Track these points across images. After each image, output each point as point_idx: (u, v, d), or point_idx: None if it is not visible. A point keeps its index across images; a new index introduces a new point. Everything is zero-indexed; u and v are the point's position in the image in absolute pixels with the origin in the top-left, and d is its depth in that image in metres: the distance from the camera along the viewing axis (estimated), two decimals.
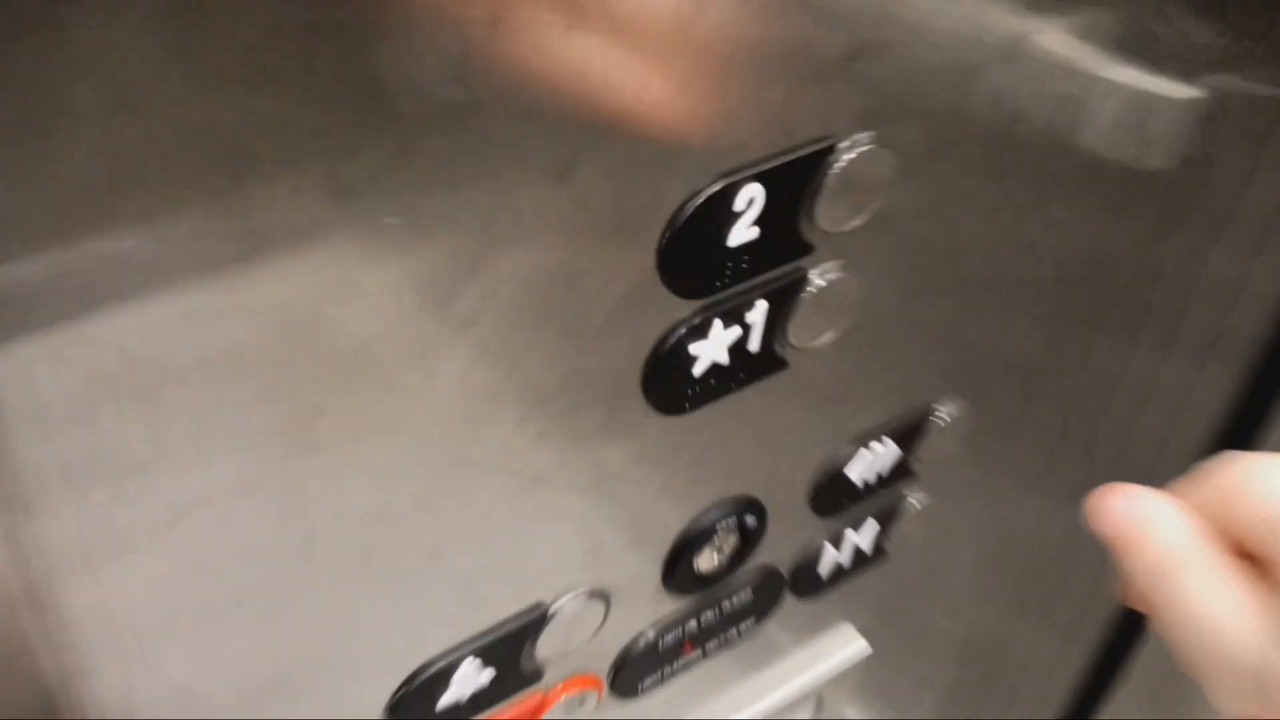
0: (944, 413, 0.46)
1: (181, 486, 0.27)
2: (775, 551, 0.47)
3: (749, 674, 0.53)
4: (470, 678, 0.39)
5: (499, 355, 0.31)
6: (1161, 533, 0.31)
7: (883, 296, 0.39)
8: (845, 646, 0.56)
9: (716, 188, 0.32)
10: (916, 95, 0.34)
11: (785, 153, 0.32)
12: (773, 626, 0.51)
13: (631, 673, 0.45)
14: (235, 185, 0.23)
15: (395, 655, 0.37)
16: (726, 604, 0.47)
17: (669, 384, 0.36)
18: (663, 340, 0.35)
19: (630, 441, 0.37)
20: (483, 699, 0.40)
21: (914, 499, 0.50)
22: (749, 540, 0.44)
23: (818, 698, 0.57)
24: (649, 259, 0.32)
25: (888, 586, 0.56)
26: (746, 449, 0.41)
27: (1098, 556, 0.33)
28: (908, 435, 0.46)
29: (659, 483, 0.39)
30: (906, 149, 0.35)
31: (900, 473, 0.48)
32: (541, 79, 0.26)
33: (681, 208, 0.31)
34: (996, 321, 0.45)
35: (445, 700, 0.39)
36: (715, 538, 0.43)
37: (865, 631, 0.57)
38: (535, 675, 0.41)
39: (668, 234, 0.32)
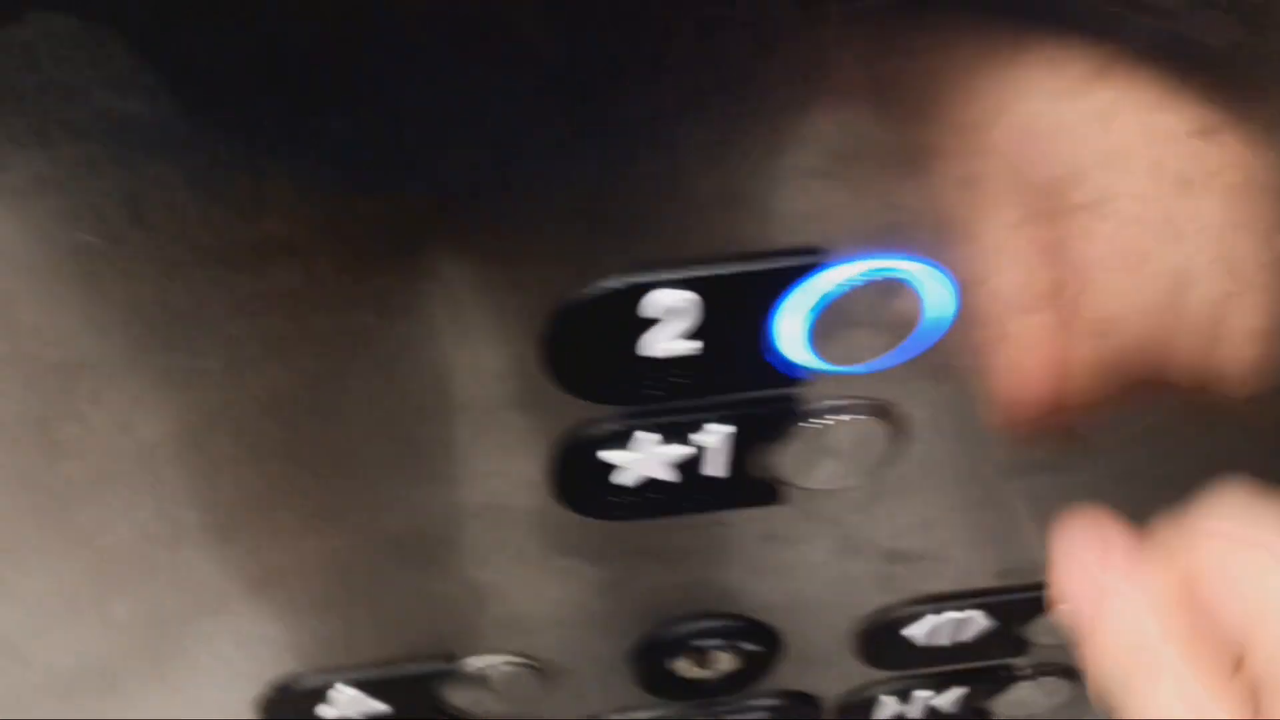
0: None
1: None
2: (809, 682, 0.38)
3: None
4: (356, 702, 0.35)
5: None
6: (1128, 623, 0.27)
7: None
8: None
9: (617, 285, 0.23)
10: None
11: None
12: None
13: None
14: None
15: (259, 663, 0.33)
16: (730, 717, 0.39)
17: (581, 487, 0.28)
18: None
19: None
20: None
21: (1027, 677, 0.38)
22: (754, 663, 0.36)
23: None
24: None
25: None
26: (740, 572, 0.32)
27: None
28: (1007, 610, 0.35)
29: (604, 578, 0.32)
30: None
31: (999, 646, 0.36)
32: None
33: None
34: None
35: (326, 716, 0.35)
36: (698, 650, 0.35)
37: None
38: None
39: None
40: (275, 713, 0.34)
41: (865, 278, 0.24)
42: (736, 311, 0.24)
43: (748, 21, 0.19)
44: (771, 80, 0.20)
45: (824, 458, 0.28)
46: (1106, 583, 0.29)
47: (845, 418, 0.27)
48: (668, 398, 0.26)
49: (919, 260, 0.24)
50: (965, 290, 0.24)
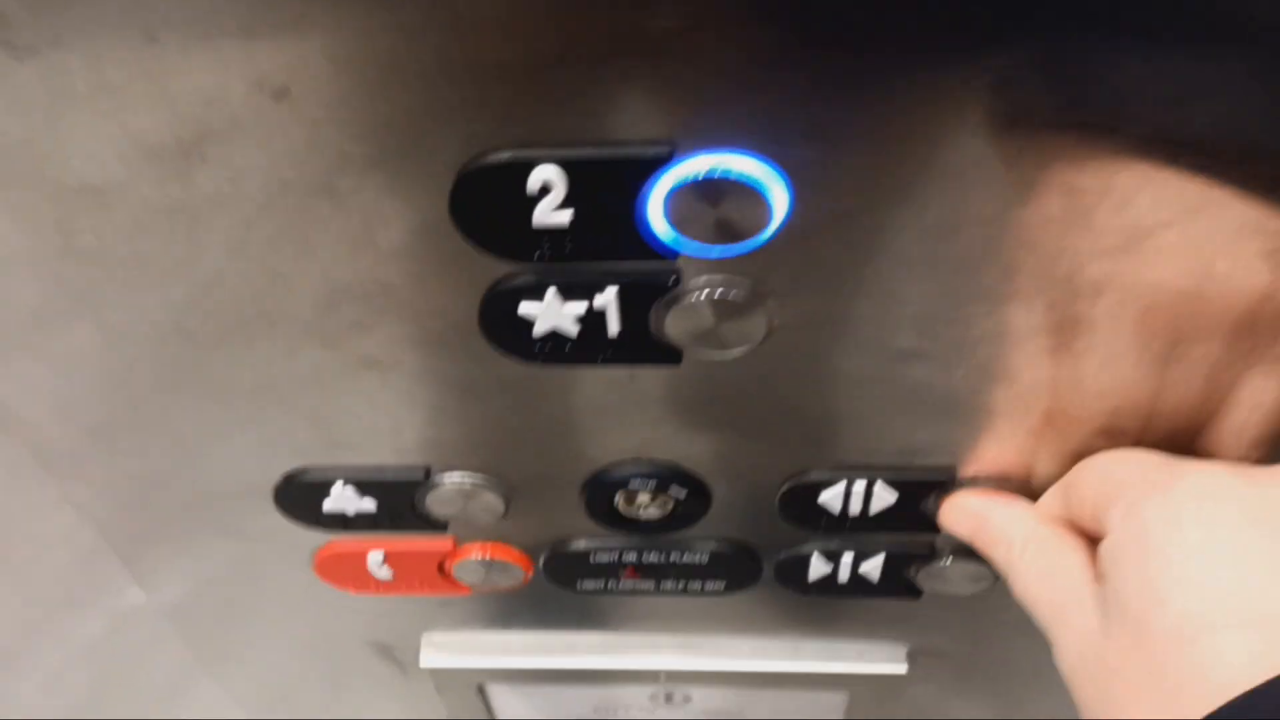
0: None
1: None
2: (745, 534, 0.43)
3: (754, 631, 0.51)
4: (350, 500, 0.42)
5: None
6: (999, 520, 0.37)
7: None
8: (872, 657, 0.50)
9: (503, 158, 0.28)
10: None
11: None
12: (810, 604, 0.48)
13: (564, 568, 0.45)
14: None
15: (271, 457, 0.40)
16: (675, 555, 0.44)
17: (506, 333, 0.34)
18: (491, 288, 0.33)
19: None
20: (372, 522, 0.43)
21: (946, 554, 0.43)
22: (687, 507, 0.41)
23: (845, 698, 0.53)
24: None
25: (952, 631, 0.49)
26: (662, 422, 0.38)
27: None
28: (912, 488, 0.39)
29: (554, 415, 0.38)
30: None
31: (910, 521, 0.41)
32: None
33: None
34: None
35: (329, 508, 0.42)
36: (636, 490, 0.40)
37: (918, 654, 0.51)
38: (434, 524, 0.43)
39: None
40: (287, 500, 0.42)
41: (713, 172, 0.28)
42: (601, 190, 0.29)
43: None
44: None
45: (704, 328, 0.32)
46: (984, 496, 0.38)
47: (716, 293, 0.31)
48: (559, 259, 0.31)
49: (760, 159, 0.28)
50: (800, 188, 0.28)
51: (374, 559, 0.45)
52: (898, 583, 0.44)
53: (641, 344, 0.33)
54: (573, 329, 0.33)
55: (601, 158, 0.28)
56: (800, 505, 0.40)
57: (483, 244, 0.30)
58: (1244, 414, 0.35)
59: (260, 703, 0.62)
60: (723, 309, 0.32)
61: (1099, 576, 0.32)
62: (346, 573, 0.46)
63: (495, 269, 0.32)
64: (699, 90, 0.26)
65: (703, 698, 0.54)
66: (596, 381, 0.36)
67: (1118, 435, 0.36)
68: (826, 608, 0.48)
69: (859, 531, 0.41)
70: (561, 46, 0.26)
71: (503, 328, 0.33)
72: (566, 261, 0.31)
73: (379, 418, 0.38)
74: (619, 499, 0.41)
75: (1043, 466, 0.37)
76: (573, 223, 0.30)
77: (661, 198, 0.29)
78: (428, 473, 0.41)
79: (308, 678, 0.59)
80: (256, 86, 0.27)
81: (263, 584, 0.49)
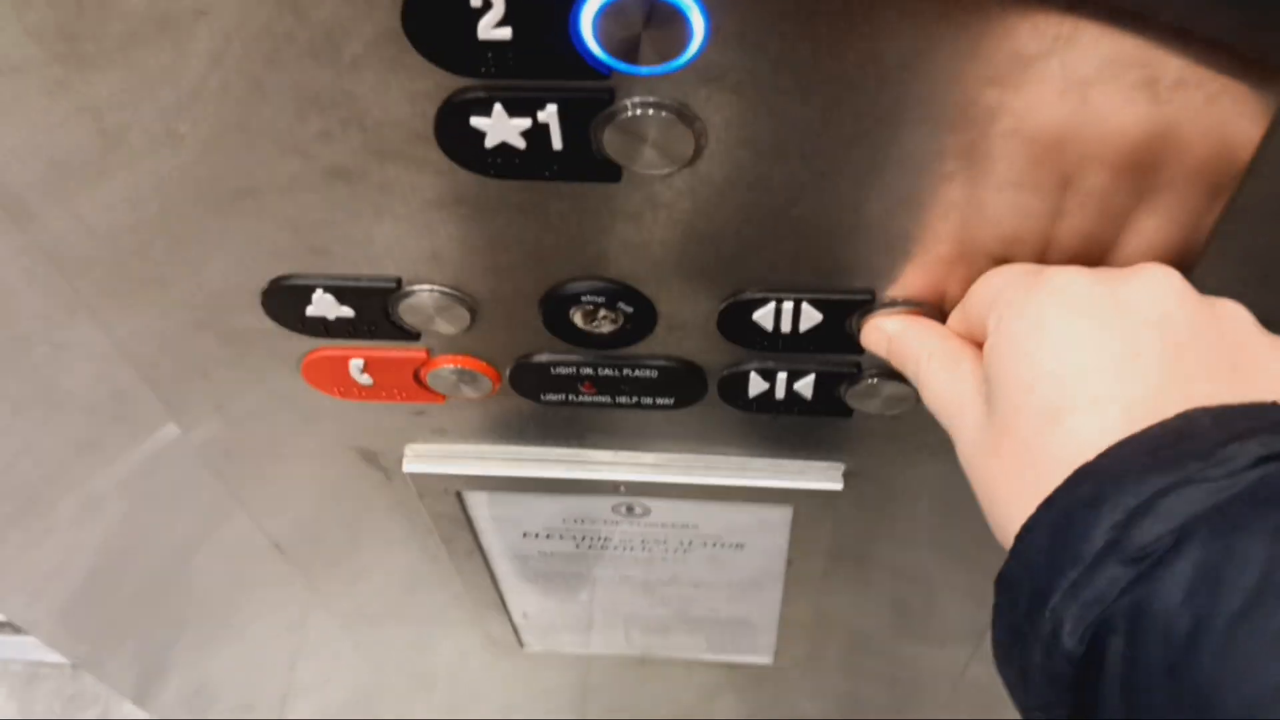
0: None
1: None
2: (691, 352, 0.47)
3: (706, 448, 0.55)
4: (330, 306, 0.46)
5: None
6: (911, 338, 0.41)
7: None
8: (811, 475, 0.55)
9: None
10: None
11: None
12: (755, 422, 0.52)
13: (528, 380, 0.50)
14: None
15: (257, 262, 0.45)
16: (627, 370, 0.48)
17: (460, 145, 0.37)
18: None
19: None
20: (350, 329, 0.47)
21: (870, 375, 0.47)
22: (635, 323, 0.45)
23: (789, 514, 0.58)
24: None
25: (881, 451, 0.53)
26: (609, 241, 0.41)
27: None
28: (835, 309, 0.43)
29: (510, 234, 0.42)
30: None
31: (836, 341, 0.45)
32: None
33: None
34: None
35: (311, 313, 0.46)
36: (587, 306, 0.44)
37: (854, 475, 0.55)
38: (407, 333, 0.47)
39: None
40: (274, 304, 0.46)
41: None
42: (535, 8, 0.32)
43: None
44: None
45: (638, 144, 0.36)
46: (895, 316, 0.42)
47: (649, 111, 0.35)
48: (505, 75, 0.34)
49: None
50: (715, 14, 0.32)
51: (355, 366, 0.50)
52: (829, 401, 0.48)
53: (584, 160, 0.37)
54: (520, 143, 0.37)
55: None
56: (736, 323, 0.44)
57: (432, 57, 0.34)
58: (1132, 251, 0.38)
59: (269, 514, 0.67)
60: (652, 125, 0.35)
61: (985, 378, 0.36)
62: (331, 378, 0.51)
63: (448, 83, 0.35)
64: None
65: (660, 510, 0.59)
66: (547, 197, 0.40)
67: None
68: (771, 428, 0.53)
69: (792, 351, 0.45)
70: None
71: (457, 139, 0.37)
72: (512, 78, 0.34)
73: (351, 227, 0.42)
74: (575, 314, 0.45)
75: (952, 290, 0.41)
76: (513, 39, 0.33)
77: (591, 17, 0.32)
78: (399, 283, 0.45)
79: (314, 493, 0.64)
80: None
81: (260, 390, 0.54)
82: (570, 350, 0.48)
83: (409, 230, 0.42)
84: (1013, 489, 0.33)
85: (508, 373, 0.50)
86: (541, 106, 0.35)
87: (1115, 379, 0.32)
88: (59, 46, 0.35)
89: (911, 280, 0.41)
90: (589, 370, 0.49)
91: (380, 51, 0.34)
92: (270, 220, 0.42)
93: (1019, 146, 0.35)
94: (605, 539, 0.64)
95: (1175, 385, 0.32)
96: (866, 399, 0.48)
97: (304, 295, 0.46)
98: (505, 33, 0.33)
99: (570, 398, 0.51)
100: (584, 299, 0.44)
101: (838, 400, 0.48)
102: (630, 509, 0.60)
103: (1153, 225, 0.37)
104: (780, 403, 0.49)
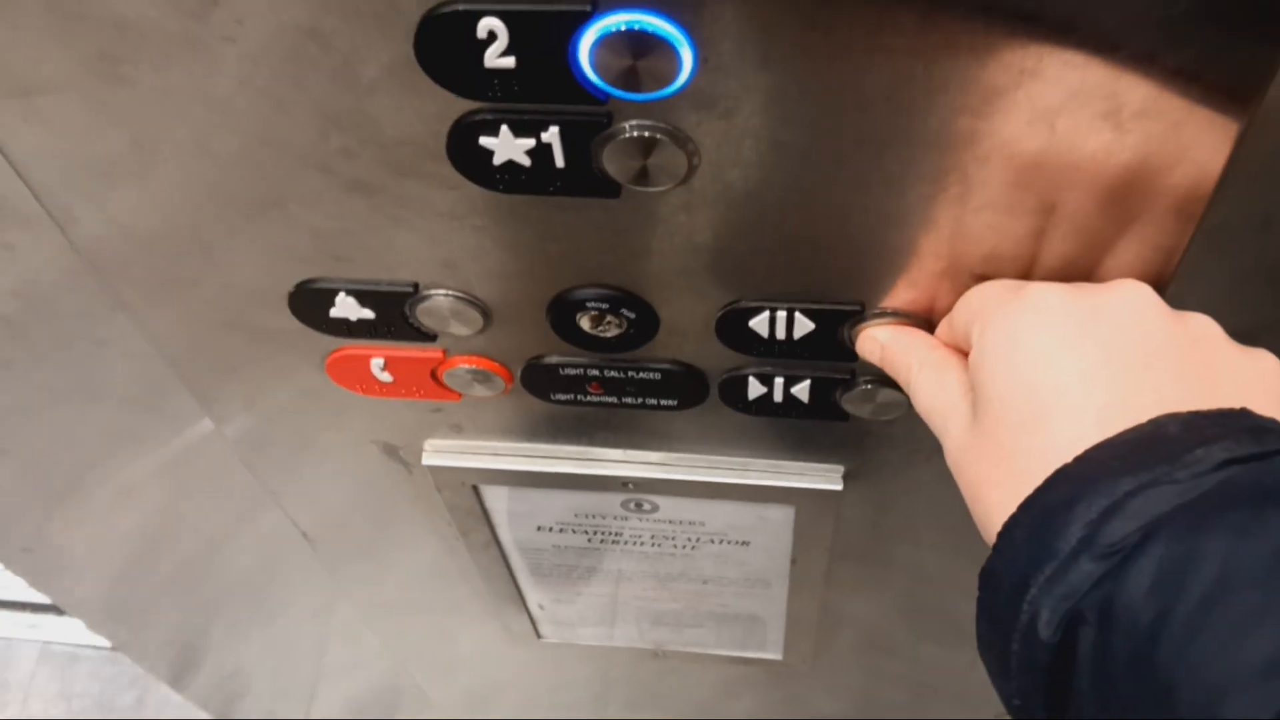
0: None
1: None
2: (692, 356, 0.50)
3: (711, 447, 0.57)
4: (352, 308, 0.49)
5: None
6: (901, 347, 0.43)
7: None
8: (812, 476, 0.57)
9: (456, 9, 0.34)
10: None
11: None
12: (758, 426, 0.55)
13: (538, 380, 0.52)
14: None
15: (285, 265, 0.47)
16: (631, 373, 0.51)
17: (470, 162, 0.40)
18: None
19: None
20: (371, 330, 0.50)
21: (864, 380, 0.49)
22: (638, 328, 0.48)
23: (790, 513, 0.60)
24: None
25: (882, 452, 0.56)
26: (615, 249, 0.44)
27: None
28: (828, 318, 0.45)
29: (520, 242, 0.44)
30: None
31: (830, 349, 0.47)
32: None
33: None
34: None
35: (334, 314, 0.49)
36: (592, 312, 0.47)
37: (853, 477, 0.57)
38: (424, 335, 0.50)
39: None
40: (299, 305, 0.49)
41: (628, 25, 0.34)
42: (536, 39, 0.34)
43: None
44: None
45: (635, 163, 0.38)
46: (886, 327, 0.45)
47: (645, 134, 0.37)
48: (510, 99, 0.37)
49: (667, 19, 0.33)
50: (702, 47, 0.34)
51: (376, 364, 0.53)
52: (825, 405, 0.51)
53: (585, 177, 0.39)
54: (525, 161, 0.39)
55: (533, 11, 0.34)
56: (734, 330, 0.47)
57: (443, 82, 0.36)
58: (1107, 269, 0.40)
59: (298, 506, 0.71)
60: (648, 147, 0.38)
61: (970, 386, 0.38)
62: (354, 376, 0.54)
63: (458, 105, 0.38)
64: None
65: (668, 507, 0.62)
66: (552, 210, 0.42)
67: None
68: (771, 430, 0.55)
69: (787, 356, 0.48)
70: None
71: (467, 157, 0.39)
72: (517, 102, 0.37)
73: (371, 236, 0.45)
74: (582, 319, 0.47)
75: (939, 303, 0.43)
76: (516, 67, 0.35)
77: (589, 48, 0.34)
78: (416, 288, 0.47)
79: (340, 485, 0.67)
80: None
81: (288, 386, 0.57)
82: (577, 353, 0.50)
83: (424, 239, 0.44)
84: (996, 490, 0.35)
85: (519, 373, 0.52)
86: (544, 128, 0.38)
87: (1091, 387, 0.34)
88: (100, 67, 0.38)
89: (899, 293, 0.43)
90: (595, 372, 0.51)
91: (396, 76, 0.37)
92: (295, 229, 0.44)
93: (993, 171, 0.37)
94: (616, 534, 0.66)
95: (1147, 393, 0.34)
96: (861, 404, 0.50)
97: (328, 298, 0.48)
98: (509, 61, 0.35)
99: (578, 397, 0.53)
100: (589, 305, 0.47)
101: (834, 404, 0.51)
102: (639, 505, 0.62)
103: (1126, 245, 0.39)
104: (779, 406, 0.51)
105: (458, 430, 0.59)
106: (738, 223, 0.41)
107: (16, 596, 1.82)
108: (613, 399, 0.53)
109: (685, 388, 0.51)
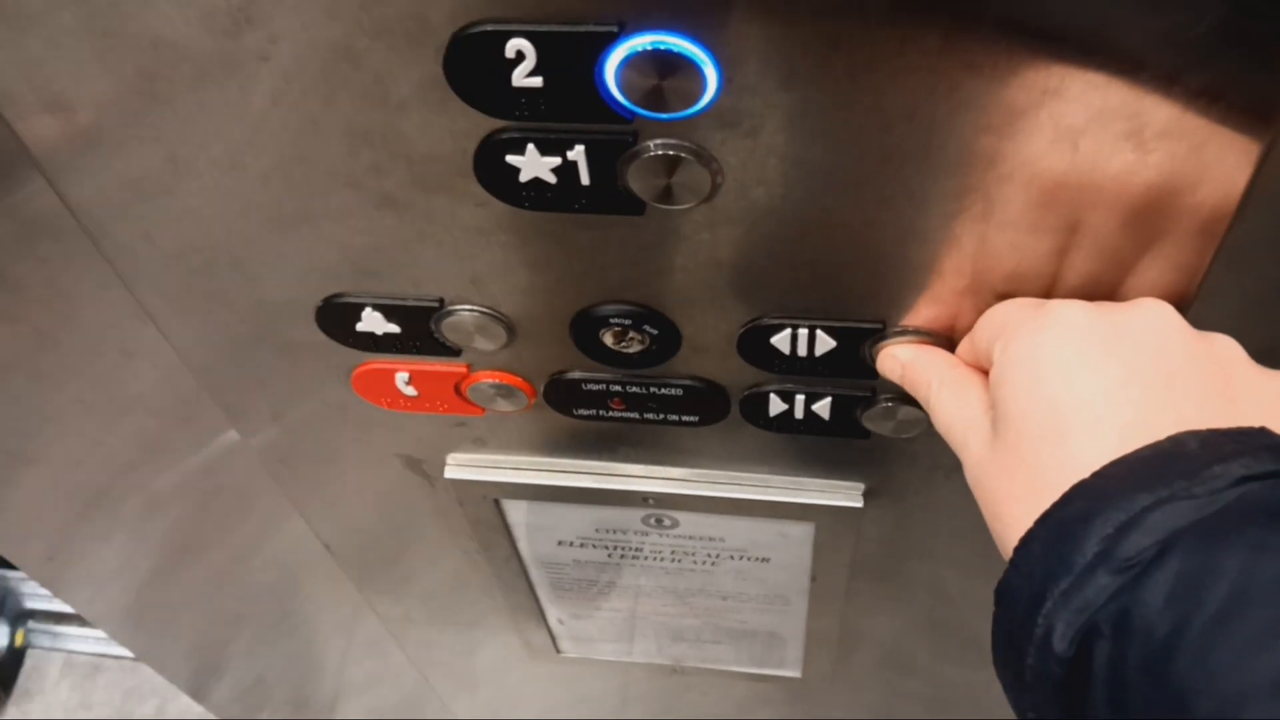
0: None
1: None
2: (713, 373, 0.50)
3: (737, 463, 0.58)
4: (378, 323, 0.49)
5: None
6: (921, 365, 0.44)
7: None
8: (832, 493, 0.57)
9: (484, 29, 0.35)
10: None
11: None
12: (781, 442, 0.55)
13: (561, 395, 0.53)
14: None
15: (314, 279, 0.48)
16: (653, 388, 0.51)
17: (497, 179, 0.40)
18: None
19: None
20: (397, 344, 0.50)
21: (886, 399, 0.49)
22: (660, 345, 0.48)
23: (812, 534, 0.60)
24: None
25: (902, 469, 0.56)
26: (638, 266, 0.44)
27: None
28: (849, 336, 0.45)
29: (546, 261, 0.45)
30: None
31: (851, 366, 0.47)
32: None
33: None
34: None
35: (361, 328, 0.50)
36: (615, 328, 0.47)
37: (873, 494, 0.57)
38: (449, 349, 0.51)
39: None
40: (327, 320, 0.50)
41: (654, 46, 0.34)
42: (564, 60, 0.35)
43: None
44: None
45: (659, 182, 0.39)
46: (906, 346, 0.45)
47: (669, 153, 0.38)
48: (537, 118, 0.37)
49: (692, 40, 0.34)
50: (727, 67, 0.34)
51: (401, 378, 0.53)
52: (846, 423, 0.51)
53: (610, 195, 0.40)
54: (551, 178, 0.40)
55: (560, 32, 0.34)
56: (755, 347, 0.47)
57: (471, 101, 0.37)
58: (1129, 288, 0.41)
59: (322, 518, 0.71)
60: (672, 165, 0.38)
61: (991, 404, 0.38)
62: (379, 390, 0.54)
63: (485, 124, 0.38)
64: None
65: (688, 522, 0.62)
66: (577, 227, 0.43)
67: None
68: (792, 447, 0.55)
69: (809, 374, 0.48)
70: None
71: (494, 175, 0.40)
72: (544, 120, 0.38)
73: (398, 252, 0.45)
74: (605, 335, 0.48)
75: (960, 321, 0.43)
76: (544, 86, 0.36)
77: (615, 68, 0.35)
78: (441, 303, 0.48)
79: (365, 498, 0.68)
80: None
81: (314, 399, 0.57)
82: (600, 368, 0.51)
83: (451, 255, 0.45)
84: (1015, 505, 0.35)
85: (542, 388, 0.53)
86: (570, 147, 0.38)
87: (1112, 405, 0.34)
88: (137, 84, 0.39)
89: (920, 311, 0.44)
90: (618, 387, 0.52)
91: (425, 95, 0.37)
92: (325, 244, 0.45)
93: (1016, 190, 0.38)
94: (636, 549, 0.67)
95: (1167, 410, 0.34)
96: (881, 421, 0.50)
97: (354, 312, 0.49)
98: (537, 81, 0.36)
99: (600, 413, 0.54)
100: (612, 321, 0.47)
101: (854, 422, 0.51)
102: (659, 520, 0.63)
103: (1148, 264, 0.40)
104: (799, 423, 0.51)
105: (480, 444, 0.60)
106: (760, 240, 0.42)
107: (40, 606, 1.84)
108: (634, 414, 0.53)
109: (707, 404, 0.52)
